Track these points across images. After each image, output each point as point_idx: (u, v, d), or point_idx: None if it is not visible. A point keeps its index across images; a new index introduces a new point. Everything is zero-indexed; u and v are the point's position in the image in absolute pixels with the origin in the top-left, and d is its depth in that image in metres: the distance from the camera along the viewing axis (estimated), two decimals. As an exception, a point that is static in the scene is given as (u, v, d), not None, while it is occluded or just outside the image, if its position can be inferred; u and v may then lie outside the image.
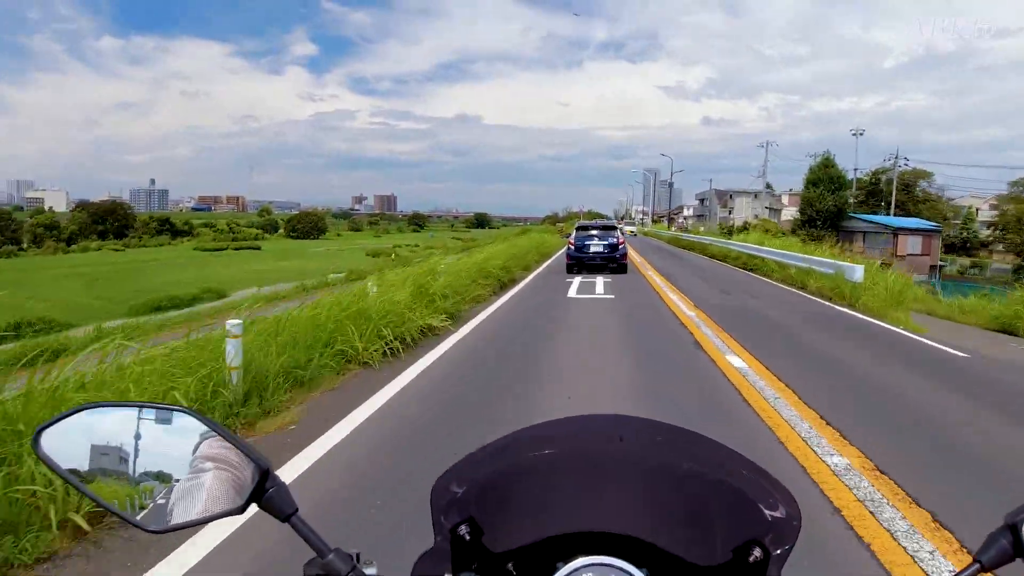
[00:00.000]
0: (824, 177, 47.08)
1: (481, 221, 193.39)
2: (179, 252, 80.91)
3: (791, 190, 75.99)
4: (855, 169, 55.13)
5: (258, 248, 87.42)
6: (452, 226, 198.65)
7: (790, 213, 73.75)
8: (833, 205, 46.49)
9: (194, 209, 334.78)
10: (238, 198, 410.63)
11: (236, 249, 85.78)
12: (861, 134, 56.51)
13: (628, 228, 62.55)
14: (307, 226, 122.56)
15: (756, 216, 67.38)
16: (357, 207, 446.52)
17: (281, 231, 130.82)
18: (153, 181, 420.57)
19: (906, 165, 54.59)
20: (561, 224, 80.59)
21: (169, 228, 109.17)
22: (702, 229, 67.91)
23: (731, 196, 75.62)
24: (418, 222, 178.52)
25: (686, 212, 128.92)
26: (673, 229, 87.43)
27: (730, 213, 71.05)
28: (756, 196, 71.08)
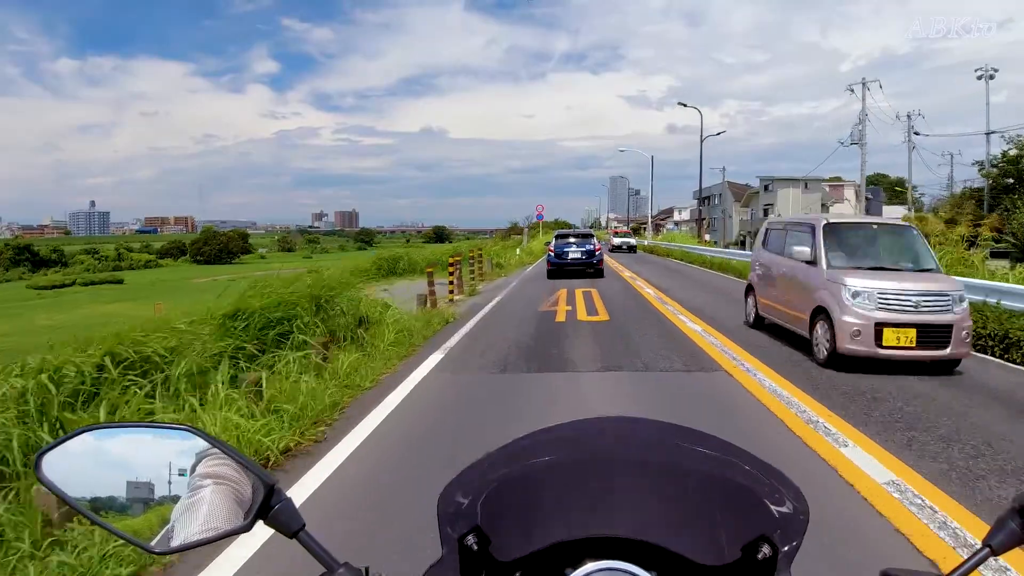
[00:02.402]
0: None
1: (440, 235, 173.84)
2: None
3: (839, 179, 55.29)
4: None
5: (120, 282, 65.13)
6: (408, 240, 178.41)
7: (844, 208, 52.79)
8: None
9: (139, 232, 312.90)
10: (187, 219, 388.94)
11: (86, 284, 63.81)
12: (992, 76, 35.73)
13: (618, 240, 42.46)
14: (214, 249, 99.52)
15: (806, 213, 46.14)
16: (317, 224, 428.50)
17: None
18: (93, 203, 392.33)
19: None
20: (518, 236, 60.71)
21: (29, 258, 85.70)
22: (707, 238, 46.87)
23: (766, 187, 53.79)
24: (365, 238, 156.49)
25: (678, 216, 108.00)
26: (652, 238, 69.66)
27: (764, 213, 49.38)
28: (807, 186, 49.89)
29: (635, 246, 42.11)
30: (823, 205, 52.20)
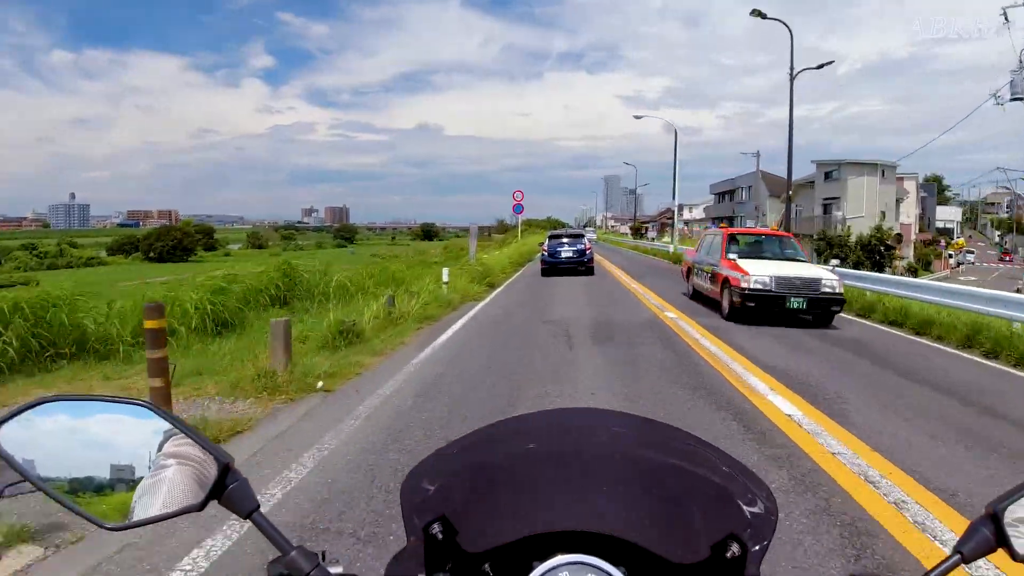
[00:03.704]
0: None
1: (428, 232, 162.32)
2: None
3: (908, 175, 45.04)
4: None
5: (26, 284, 53.34)
6: (393, 238, 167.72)
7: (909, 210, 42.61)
8: None
9: (120, 225, 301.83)
10: (170, 212, 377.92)
11: (-13, 286, 51.99)
12: None
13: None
14: (168, 245, 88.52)
15: (884, 213, 35.70)
16: (306, 220, 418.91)
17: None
18: (73, 196, 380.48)
19: None
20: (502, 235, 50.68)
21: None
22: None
23: (827, 175, 42.72)
24: (346, 235, 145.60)
25: (689, 215, 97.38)
26: (657, 240, 60.82)
27: (825, 210, 38.66)
28: (884, 174, 39.15)
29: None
30: (897, 201, 41.61)
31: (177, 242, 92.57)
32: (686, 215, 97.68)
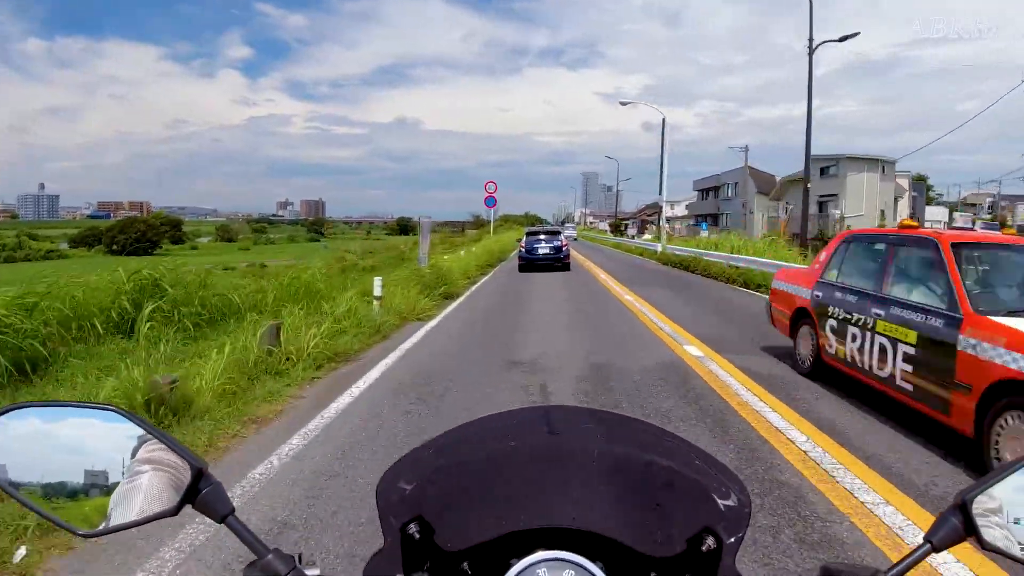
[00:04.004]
0: None
1: (403, 227, 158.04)
2: None
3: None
4: None
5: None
6: (369, 232, 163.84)
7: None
8: None
9: (90, 216, 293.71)
10: (142, 204, 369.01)
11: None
12: None
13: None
14: (130, 237, 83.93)
15: (883, 212, 32.65)
16: (281, 213, 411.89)
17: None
18: (43, 186, 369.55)
19: None
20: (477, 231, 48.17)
21: None
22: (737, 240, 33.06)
23: (823, 170, 39.41)
24: (317, 229, 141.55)
25: (670, 211, 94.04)
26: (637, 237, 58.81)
27: (821, 210, 35.59)
28: (884, 170, 36.04)
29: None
30: (895, 200, 38.60)
31: (141, 235, 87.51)
32: (667, 212, 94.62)
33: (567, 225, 59.08)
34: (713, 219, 59.12)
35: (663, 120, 35.11)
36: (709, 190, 62.85)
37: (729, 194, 55.03)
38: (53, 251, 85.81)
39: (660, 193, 36.50)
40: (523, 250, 23.00)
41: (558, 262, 22.43)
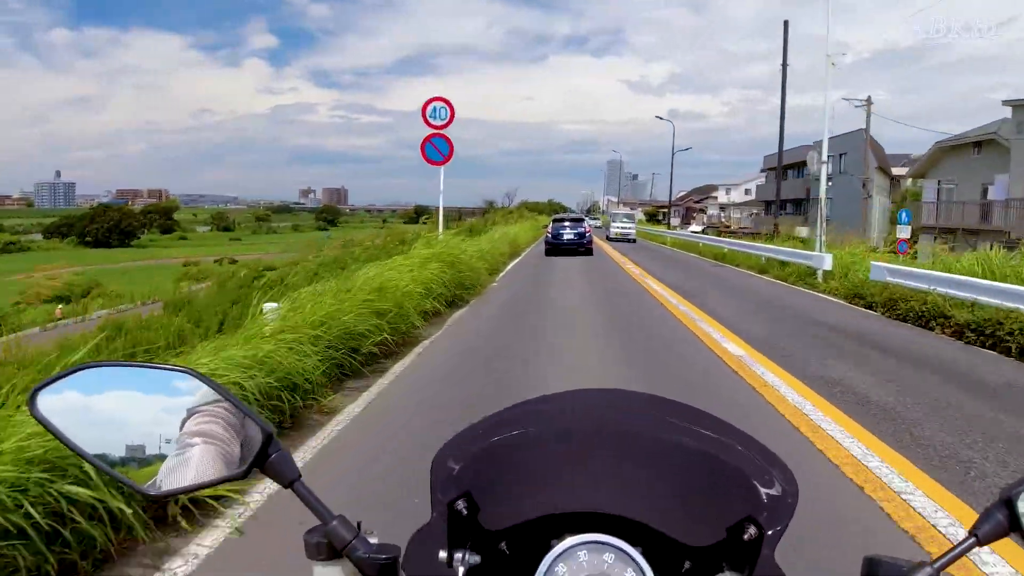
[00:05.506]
0: None
1: (419, 214, 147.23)
2: None
3: None
4: None
5: None
6: (385, 220, 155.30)
7: None
8: None
9: (107, 204, 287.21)
10: (160, 191, 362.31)
11: None
12: None
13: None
14: (103, 227, 74.34)
15: None
16: (303, 201, 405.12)
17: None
18: (58, 173, 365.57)
19: None
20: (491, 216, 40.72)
21: None
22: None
23: (978, 144, 26.70)
24: (328, 217, 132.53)
25: (725, 197, 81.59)
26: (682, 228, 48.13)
27: (984, 193, 23.73)
28: None
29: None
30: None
31: (115, 224, 77.82)
32: (721, 198, 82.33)
33: (619, 215, 47.31)
34: (795, 205, 47.46)
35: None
36: (789, 167, 46.98)
37: (831, 170, 42.88)
38: (13, 243, 75.95)
39: (818, 162, 25.11)
40: (550, 235, 25.71)
41: (581, 247, 25.03)
